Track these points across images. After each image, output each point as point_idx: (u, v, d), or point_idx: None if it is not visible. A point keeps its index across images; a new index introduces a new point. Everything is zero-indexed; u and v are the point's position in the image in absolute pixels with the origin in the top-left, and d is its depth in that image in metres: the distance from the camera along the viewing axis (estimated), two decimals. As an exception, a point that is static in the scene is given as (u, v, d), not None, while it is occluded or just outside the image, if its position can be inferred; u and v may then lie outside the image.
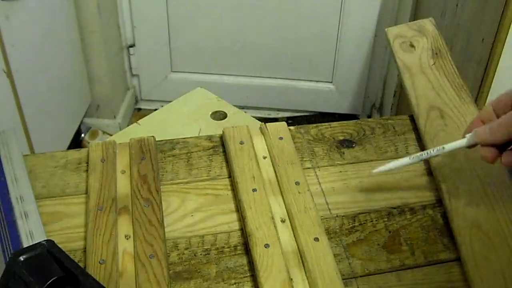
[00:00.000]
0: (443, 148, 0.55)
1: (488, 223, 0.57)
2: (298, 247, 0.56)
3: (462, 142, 0.55)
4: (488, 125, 0.52)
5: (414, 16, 1.65)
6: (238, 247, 0.57)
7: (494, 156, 0.52)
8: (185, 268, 0.55)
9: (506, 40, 1.08)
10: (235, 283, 0.53)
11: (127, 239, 0.56)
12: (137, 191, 0.60)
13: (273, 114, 2.06)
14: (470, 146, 0.55)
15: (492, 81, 1.14)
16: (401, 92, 1.82)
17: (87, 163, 0.65)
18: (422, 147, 0.68)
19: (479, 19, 1.20)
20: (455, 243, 0.58)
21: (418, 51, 0.75)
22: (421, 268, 0.56)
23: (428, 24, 0.78)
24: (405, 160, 0.57)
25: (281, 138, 0.67)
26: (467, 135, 0.54)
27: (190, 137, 0.70)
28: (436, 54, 0.74)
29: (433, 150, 0.56)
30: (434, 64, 0.73)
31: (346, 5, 1.81)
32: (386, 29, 0.79)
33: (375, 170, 0.58)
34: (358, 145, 0.70)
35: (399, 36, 0.77)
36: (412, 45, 0.75)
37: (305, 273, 0.53)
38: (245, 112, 1.28)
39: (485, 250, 0.55)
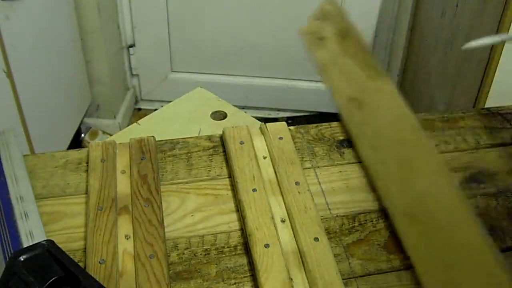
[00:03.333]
0: None
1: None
2: (298, 247, 0.56)
3: None
4: None
5: (414, 16, 1.65)
6: (238, 247, 0.57)
7: None
8: (185, 268, 0.55)
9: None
10: (235, 283, 0.53)
11: (127, 239, 0.56)
12: (137, 191, 0.60)
13: (273, 114, 2.06)
14: None
15: (492, 81, 1.14)
16: (401, 92, 1.82)
17: (87, 163, 0.65)
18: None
19: (479, 19, 1.20)
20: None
21: (327, 43, 0.72)
22: (421, 268, 0.56)
23: (328, 5, 0.73)
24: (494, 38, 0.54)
25: (281, 138, 0.67)
26: None
27: (190, 137, 0.70)
28: (344, 37, 0.71)
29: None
30: (342, 50, 0.70)
31: (346, 5, 1.81)
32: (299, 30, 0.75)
33: (465, 46, 0.53)
34: (358, 145, 0.70)
35: (308, 33, 0.74)
36: (320, 38, 0.73)
37: (305, 273, 0.53)
38: (245, 112, 1.29)
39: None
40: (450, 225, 0.51)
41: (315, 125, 0.72)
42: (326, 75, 0.70)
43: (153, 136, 0.68)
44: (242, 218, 0.59)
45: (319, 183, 0.64)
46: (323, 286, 0.51)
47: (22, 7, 1.32)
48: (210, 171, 0.65)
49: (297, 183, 0.61)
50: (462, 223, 0.49)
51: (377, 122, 0.64)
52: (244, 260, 0.56)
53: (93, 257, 0.53)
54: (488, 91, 1.16)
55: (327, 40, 0.72)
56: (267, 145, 0.67)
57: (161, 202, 0.60)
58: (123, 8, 1.86)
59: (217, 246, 0.57)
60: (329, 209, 0.61)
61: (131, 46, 1.96)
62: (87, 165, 0.65)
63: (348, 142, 0.70)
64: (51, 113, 1.54)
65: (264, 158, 0.65)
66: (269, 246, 0.54)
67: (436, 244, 0.52)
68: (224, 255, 0.56)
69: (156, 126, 1.15)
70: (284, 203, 0.60)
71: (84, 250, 0.55)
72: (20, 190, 0.60)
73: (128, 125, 1.79)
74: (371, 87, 0.67)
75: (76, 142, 1.81)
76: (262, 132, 0.69)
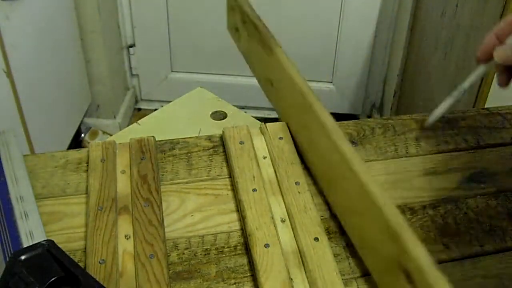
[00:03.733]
0: (469, 82, 0.59)
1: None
2: (298, 247, 0.56)
3: (480, 71, 0.57)
4: (506, 46, 0.53)
5: (414, 16, 1.65)
6: (238, 247, 0.57)
7: (508, 80, 0.54)
8: (185, 268, 0.55)
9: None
10: (235, 283, 0.53)
11: (127, 239, 0.56)
12: (137, 191, 0.60)
13: (273, 114, 2.06)
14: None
15: (492, 81, 1.14)
16: (401, 92, 1.82)
17: (87, 163, 0.65)
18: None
19: (479, 19, 1.20)
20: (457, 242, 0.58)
21: (239, 33, 0.75)
22: (421, 268, 0.56)
23: None
24: (448, 101, 0.59)
25: (281, 138, 0.67)
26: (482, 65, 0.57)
27: (190, 137, 0.70)
28: (245, 22, 0.73)
29: (464, 85, 0.59)
30: (248, 37, 0.73)
31: (346, 5, 1.81)
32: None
33: (428, 122, 0.59)
34: (358, 145, 0.70)
35: (229, 28, 0.77)
36: (237, 29, 0.74)
37: (305, 273, 0.53)
38: (245, 112, 1.29)
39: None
40: (347, 178, 0.55)
41: (315, 125, 0.72)
42: (248, 63, 0.75)
43: (153, 136, 0.68)
44: (242, 218, 0.59)
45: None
46: (323, 286, 0.51)
47: (22, 7, 1.32)
48: (210, 171, 0.65)
49: (297, 183, 0.61)
50: (355, 175, 0.53)
51: (283, 95, 0.69)
52: (244, 260, 0.56)
53: (93, 257, 0.53)
54: (488, 91, 1.16)
55: (239, 30, 0.75)
56: (267, 145, 0.67)
57: (161, 202, 0.60)
58: (123, 8, 1.86)
59: (217, 246, 0.57)
60: (329, 209, 0.61)
61: (131, 46, 1.96)
62: (87, 165, 0.65)
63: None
64: (51, 113, 1.54)
65: (264, 158, 0.65)
66: (269, 246, 0.54)
67: (344, 196, 0.57)
68: (224, 255, 0.56)
69: (156, 126, 1.15)
70: (284, 203, 0.60)
71: (84, 250, 0.55)
72: (20, 190, 0.60)
73: (128, 125, 1.79)
74: (271, 62, 0.69)
75: (76, 142, 1.81)
76: (262, 132, 0.69)
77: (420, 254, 0.44)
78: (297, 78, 0.64)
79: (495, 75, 0.57)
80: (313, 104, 0.61)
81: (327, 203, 0.62)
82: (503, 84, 0.56)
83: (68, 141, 1.69)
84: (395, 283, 0.47)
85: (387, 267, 0.49)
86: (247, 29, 0.73)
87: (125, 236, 0.56)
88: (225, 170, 0.66)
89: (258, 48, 0.72)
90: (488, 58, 0.57)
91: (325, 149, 0.59)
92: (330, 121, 0.58)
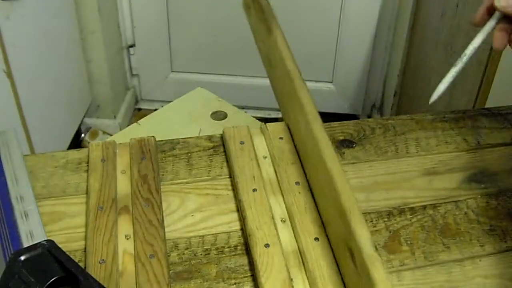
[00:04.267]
0: (471, 48, 0.55)
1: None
2: (298, 247, 0.56)
3: (480, 35, 0.54)
4: None
5: (414, 16, 1.65)
6: (238, 247, 0.57)
7: (506, 41, 0.52)
8: (185, 268, 0.55)
9: (506, 40, 1.08)
10: (235, 283, 0.53)
11: (127, 239, 0.56)
12: (137, 191, 0.60)
13: (273, 114, 2.06)
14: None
15: (492, 81, 1.14)
16: (401, 92, 1.82)
17: (87, 163, 0.65)
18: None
19: (479, 19, 1.19)
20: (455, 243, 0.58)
21: (250, 10, 0.78)
22: (421, 268, 0.56)
23: None
24: (451, 73, 0.55)
25: (281, 138, 0.67)
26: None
27: (190, 137, 0.70)
28: (254, 0, 0.76)
29: (467, 52, 0.55)
30: (255, 15, 0.76)
31: (346, 5, 1.81)
32: None
33: (433, 98, 0.56)
34: (358, 145, 0.70)
35: (243, 4, 0.79)
36: (248, 6, 0.76)
37: (305, 273, 0.53)
38: (245, 112, 1.29)
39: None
40: (317, 161, 0.58)
41: (315, 125, 0.72)
42: (255, 41, 0.77)
43: (153, 136, 0.68)
44: (242, 218, 0.59)
45: (319, 183, 0.64)
46: (323, 286, 0.51)
47: (22, 7, 1.32)
48: (210, 171, 0.65)
49: (297, 183, 0.61)
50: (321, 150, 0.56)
51: (278, 76, 0.71)
52: (244, 260, 0.56)
53: (93, 257, 0.53)
54: (488, 91, 1.16)
55: (251, 7, 0.77)
56: (267, 145, 0.67)
57: (161, 202, 0.60)
58: (123, 8, 1.86)
59: (217, 246, 0.57)
60: (329, 209, 0.61)
61: (131, 46, 1.96)
62: (87, 165, 0.65)
63: (349, 142, 0.70)
64: (51, 113, 1.54)
65: (265, 158, 0.65)
66: (269, 246, 0.54)
67: (315, 176, 0.60)
68: (224, 255, 0.56)
69: (156, 126, 1.15)
70: (285, 203, 0.60)
71: (84, 250, 0.55)
72: (20, 190, 0.60)
73: (128, 125, 1.79)
74: (271, 43, 0.71)
75: (76, 142, 1.81)
76: (263, 132, 0.69)
77: (361, 235, 0.48)
78: (288, 60, 0.66)
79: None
80: (297, 88, 0.63)
81: (327, 203, 0.62)
82: (500, 45, 0.53)
83: (68, 141, 1.69)
84: (345, 259, 0.51)
85: (339, 244, 0.53)
86: (255, 7, 0.76)
87: (125, 236, 0.56)
88: (225, 170, 0.66)
89: (261, 27, 0.74)
90: (486, 19, 0.55)
91: (303, 131, 0.63)
92: (310, 108, 0.61)
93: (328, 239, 0.56)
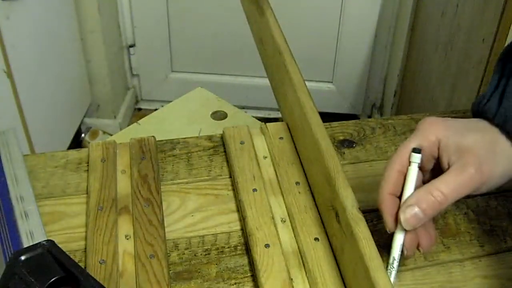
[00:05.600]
0: (394, 258, 0.49)
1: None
2: (298, 247, 0.56)
3: (399, 241, 0.48)
4: (415, 207, 0.46)
5: (415, 16, 1.65)
6: (239, 247, 0.57)
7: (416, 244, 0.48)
8: (185, 268, 0.55)
9: (506, 40, 1.08)
10: (235, 283, 0.53)
11: (127, 239, 0.56)
12: (137, 191, 0.60)
13: (273, 114, 2.06)
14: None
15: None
16: (401, 92, 1.82)
17: (87, 163, 0.65)
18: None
19: (479, 19, 1.20)
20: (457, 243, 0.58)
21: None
22: (421, 268, 0.56)
23: None
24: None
25: (281, 138, 0.67)
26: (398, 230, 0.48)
27: (190, 137, 0.70)
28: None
29: (393, 265, 0.49)
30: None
31: (346, 5, 1.81)
32: None
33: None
34: (359, 145, 0.70)
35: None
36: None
37: (306, 273, 0.53)
38: (245, 112, 1.29)
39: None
40: (305, 129, 0.62)
41: (315, 125, 0.72)
42: (248, 23, 0.81)
43: (153, 136, 0.68)
44: (242, 218, 0.59)
45: (319, 183, 0.64)
46: (323, 286, 0.51)
47: (22, 7, 1.32)
48: (210, 171, 0.65)
49: (297, 183, 0.61)
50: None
51: (269, 54, 0.74)
52: (244, 260, 0.56)
53: (93, 257, 0.54)
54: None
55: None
56: (267, 145, 0.67)
57: (161, 202, 0.60)
58: (123, 8, 1.86)
59: (218, 246, 0.57)
60: (329, 209, 0.61)
61: (131, 46, 1.96)
62: (87, 165, 0.65)
63: (349, 142, 0.70)
64: (51, 113, 1.54)
65: (265, 158, 0.65)
66: (269, 246, 0.54)
67: (303, 145, 0.64)
68: (224, 255, 0.56)
69: (156, 126, 1.15)
70: (285, 203, 0.60)
71: (84, 250, 0.55)
72: (20, 190, 0.60)
73: (128, 125, 1.79)
74: (262, 23, 0.74)
75: (76, 142, 1.81)
76: (263, 132, 0.69)
77: (346, 197, 0.51)
78: (278, 37, 0.69)
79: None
80: (286, 62, 0.66)
81: (327, 203, 0.62)
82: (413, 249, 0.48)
83: (68, 141, 1.69)
84: (331, 220, 0.54)
85: (325, 206, 0.56)
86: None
87: (125, 236, 0.56)
88: (225, 170, 0.66)
89: (253, 8, 0.77)
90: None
91: (292, 102, 0.65)
92: (297, 78, 0.65)
93: (328, 239, 0.56)
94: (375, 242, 0.47)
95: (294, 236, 0.57)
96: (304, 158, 0.63)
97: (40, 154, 0.67)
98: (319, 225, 0.57)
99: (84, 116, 1.84)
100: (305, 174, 0.63)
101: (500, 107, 0.49)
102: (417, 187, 0.48)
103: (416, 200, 0.46)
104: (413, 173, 0.48)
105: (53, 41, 1.51)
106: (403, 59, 1.75)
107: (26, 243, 0.54)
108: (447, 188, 0.45)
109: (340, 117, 2.00)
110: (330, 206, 0.54)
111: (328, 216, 0.56)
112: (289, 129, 0.69)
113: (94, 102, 1.86)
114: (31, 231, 0.55)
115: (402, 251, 0.49)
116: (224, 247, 0.57)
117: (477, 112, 0.52)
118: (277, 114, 2.05)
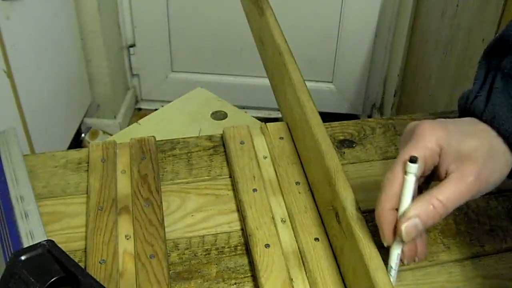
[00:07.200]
0: (391, 267, 0.48)
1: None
2: (298, 247, 0.56)
3: (396, 251, 0.47)
4: (416, 219, 0.45)
5: (414, 16, 1.65)
6: (239, 247, 0.57)
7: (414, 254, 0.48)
8: (185, 268, 0.55)
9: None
10: (235, 283, 0.53)
11: (128, 239, 0.56)
12: (137, 191, 0.60)
13: (273, 114, 2.06)
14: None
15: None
16: (401, 92, 1.82)
17: (88, 163, 0.65)
18: None
19: (479, 19, 1.20)
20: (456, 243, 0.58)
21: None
22: (421, 268, 0.56)
23: None
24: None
25: (281, 138, 0.67)
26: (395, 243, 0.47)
27: (191, 137, 0.70)
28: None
29: (390, 273, 0.48)
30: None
31: (346, 5, 1.81)
32: None
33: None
34: (359, 145, 0.70)
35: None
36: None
37: (306, 273, 0.53)
38: (246, 112, 1.29)
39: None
40: (305, 130, 0.62)
41: (315, 125, 0.72)
42: (248, 23, 0.81)
43: (153, 136, 0.68)
44: (242, 218, 0.59)
45: (320, 183, 0.64)
46: (323, 286, 0.51)
47: (22, 7, 1.32)
48: (210, 171, 0.65)
49: (297, 183, 0.61)
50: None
51: (269, 54, 0.75)
52: (244, 260, 0.56)
53: (93, 257, 0.53)
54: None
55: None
56: (267, 145, 0.67)
57: (161, 202, 0.60)
58: (123, 8, 1.86)
59: (218, 246, 0.57)
60: (330, 209, 0.61)
61: (131, 46, 1.96)
62: (87, 165, 0.65)
63: (349, 142, 0.70)
64: (51, 113, 1.54)
65: (265, 158, 0.65)
66: (269, 246, 0.54)
67: (303, 145, 0.64)
68: (224, 255, 0.56)
69: (156, 126, 1.15)
70: (285, 203, 0.60)
71: (84, 250, 0.55)
72: (20, 190, 0.60)
73: (128, 125, 1.79)
74: (262, 23, 0.75)
75: (76, 142, 1.81)
76: (263, 132, 0.69)
77: (346, 197, 0.51)
78: (278, 37, 0.70)
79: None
80: (286, 62, 0.67)
81: (327, 203, 0.62)
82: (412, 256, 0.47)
83: (68, 141, 1.69)
84: (331, 220, 0.55)
85: (326, 206, 0.56)
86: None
87: (126, 236, 0.56)
88: (225, 170, 0.66)
89: (253, 8, 0.77)
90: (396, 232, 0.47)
91: (292, 102, 0.66)
92: (297, 78, 0.65)
93: (328, 239, 0.56)
94: (375, 242, 0.47)
95: (294, 236, 0.57)
96: (304, 158, 0.64)
97: (40, 154, 0.67)
98: (319, 225, 0.57)
99: (84, 116, 1.84)
100: (305, 174, 0.63)
101: (488, 104, 0.49)
102: (413, 196, 0.46)
103: (416, 213, 0.45)
104: (410, 184, 0.46)
105: (53, 41, 1.51)
106: (403, 59, 1.75)
107: (26, 243, 0.54)
108: (447, 198, 0.45)
109: (340, 117, 2.00)
110: (330, 206, 0.55)
111: (328, 216, 0.56)
112: (289, 129, 0.69)
113: (94, 102, 1.86)
114: (31, 231, 0.55)
115: (400, 260, 0.48)
116: (224, 247, 0.57)
117: (464, 109, 0.52)
118: (277, 114, 2.05)
